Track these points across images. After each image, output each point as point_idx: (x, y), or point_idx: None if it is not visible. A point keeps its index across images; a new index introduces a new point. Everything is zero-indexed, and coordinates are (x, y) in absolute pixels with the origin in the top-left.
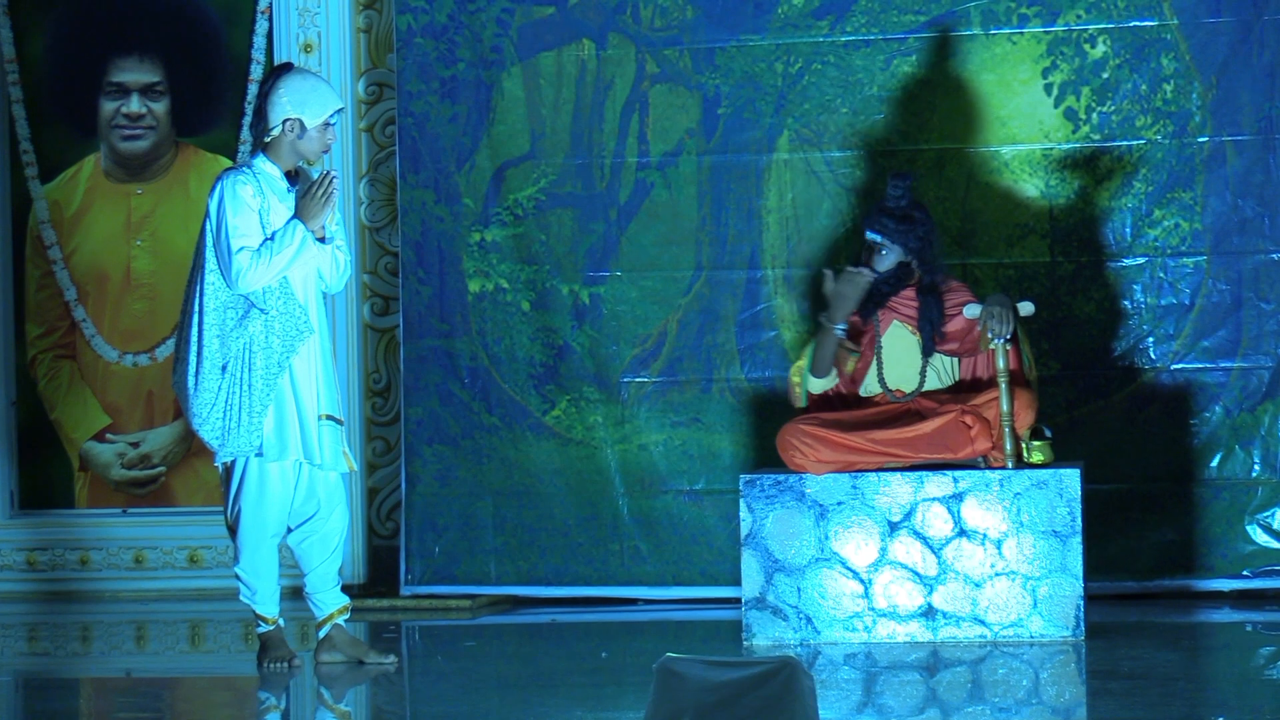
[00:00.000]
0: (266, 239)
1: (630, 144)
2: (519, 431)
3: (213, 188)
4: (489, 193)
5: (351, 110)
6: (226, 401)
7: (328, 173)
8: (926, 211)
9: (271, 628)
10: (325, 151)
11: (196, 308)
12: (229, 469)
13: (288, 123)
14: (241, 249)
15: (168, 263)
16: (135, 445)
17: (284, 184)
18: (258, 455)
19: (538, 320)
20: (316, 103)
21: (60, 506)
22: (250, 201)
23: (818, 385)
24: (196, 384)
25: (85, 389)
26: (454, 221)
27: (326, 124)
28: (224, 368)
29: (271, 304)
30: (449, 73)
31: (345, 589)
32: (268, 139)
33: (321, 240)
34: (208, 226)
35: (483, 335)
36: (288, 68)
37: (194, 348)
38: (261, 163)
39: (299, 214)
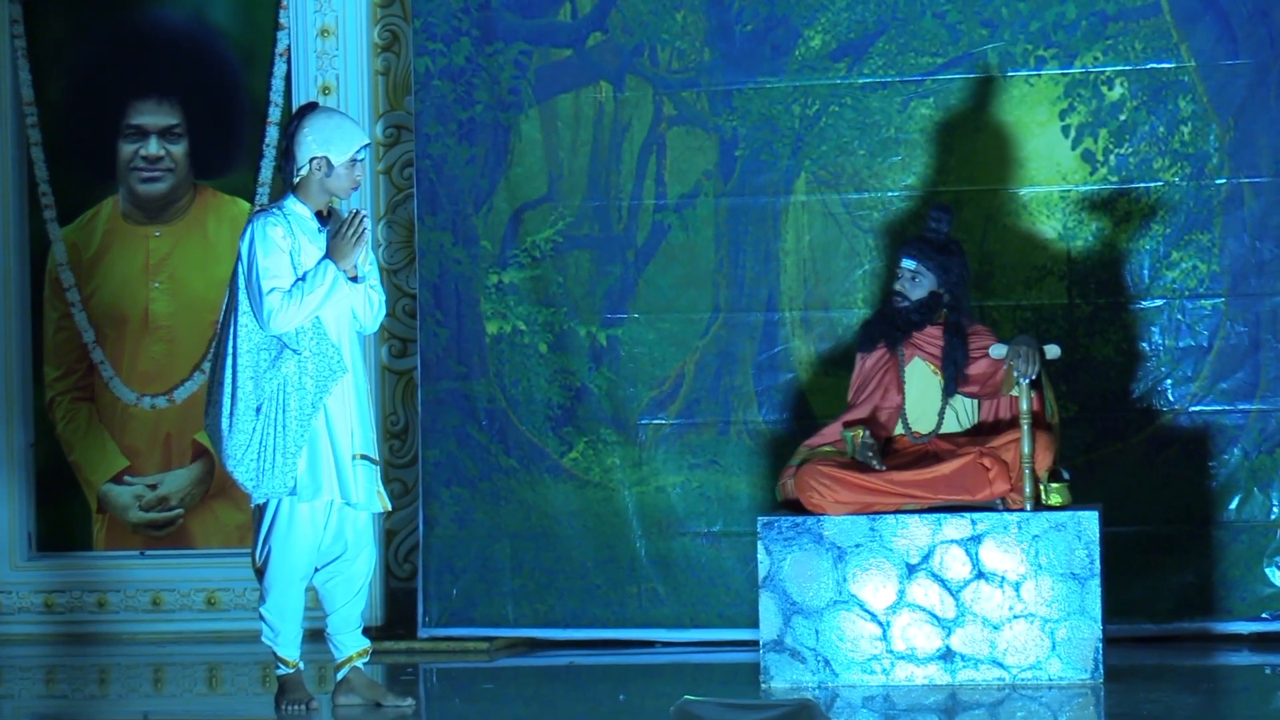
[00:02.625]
0: (298, 279)
1: (648, 186)
2: (536, 473)
3: (244, 229)
4: (506, 235)
5: (369, 152)
6: (261, 443)
7: (357, 212)
8: (962, 248)
9: (291, 670)
10: (355, 188)
11: (230, 349)
12: (261, 510)
13: (315, 161)
14: (273, 290)
15: (186, 305)
16: (153, 487)
17: (315, 224)
18: (291, 495)
19: (555, 362)
20: (342, 140)
21: (78, 548)
22: (280, 242)
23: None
24: (231, 425)
25: (103, 431)
26: (472, 263)
27: (354, 160)
28: (258, 409)
29: (304, 344)
30: (467, 115)
31: (363, 631)
32: (296, 179)
33: (354, 279)
34: (239, 268)
35: (500, 377)
36: (312, 107)
37: (228, 389)
38: (292, 203)
39: (330, 254)
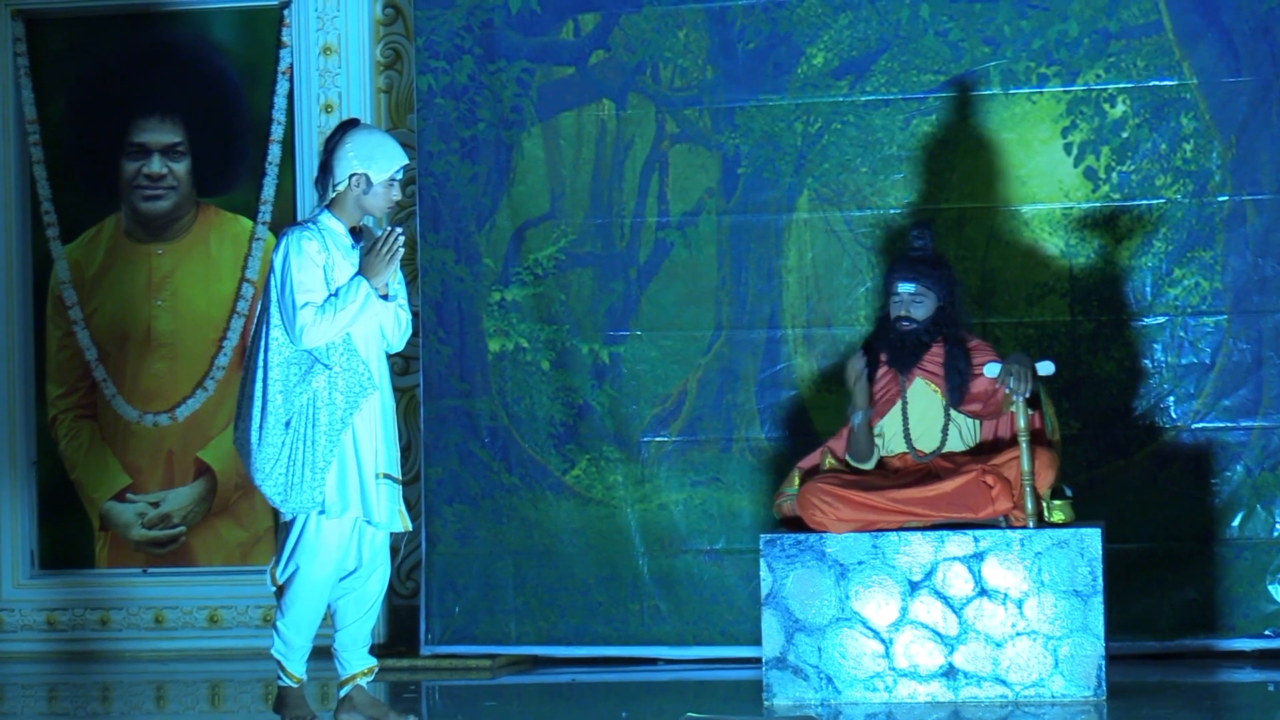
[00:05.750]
0: (330, 295)
1: (650, 203)
2: (539, 491)
3: (278, 243)
4: (509, 252)
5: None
6: (290, 458)
7: (392, 229)
8: (948, 261)
9: (295, 685)
10: (391, 207)
11: (260, 363)
12: (287, 525)
13: (354, 178)
14: (305, 304)
15: (188, 323)
16: (155, 505)
17: (348, 240)
18: (320, 512)
19: (558, 380)
20: (383, 158)
21: (81, 566)
22: (315, 257)
23: (865, 467)
24: (260, 440)
25: (106, 449)
26: (474, 281)
27: (392, 179)
28: (288, 423)
29: (335, 360)
30: (469, 133)
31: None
32: (332, 194)
33: (384, 297)
34: (272, 281)
35: (503, 395)
36: (354, 123)
37: (258, 403)
38: (326, 219)
39: (363, 270)
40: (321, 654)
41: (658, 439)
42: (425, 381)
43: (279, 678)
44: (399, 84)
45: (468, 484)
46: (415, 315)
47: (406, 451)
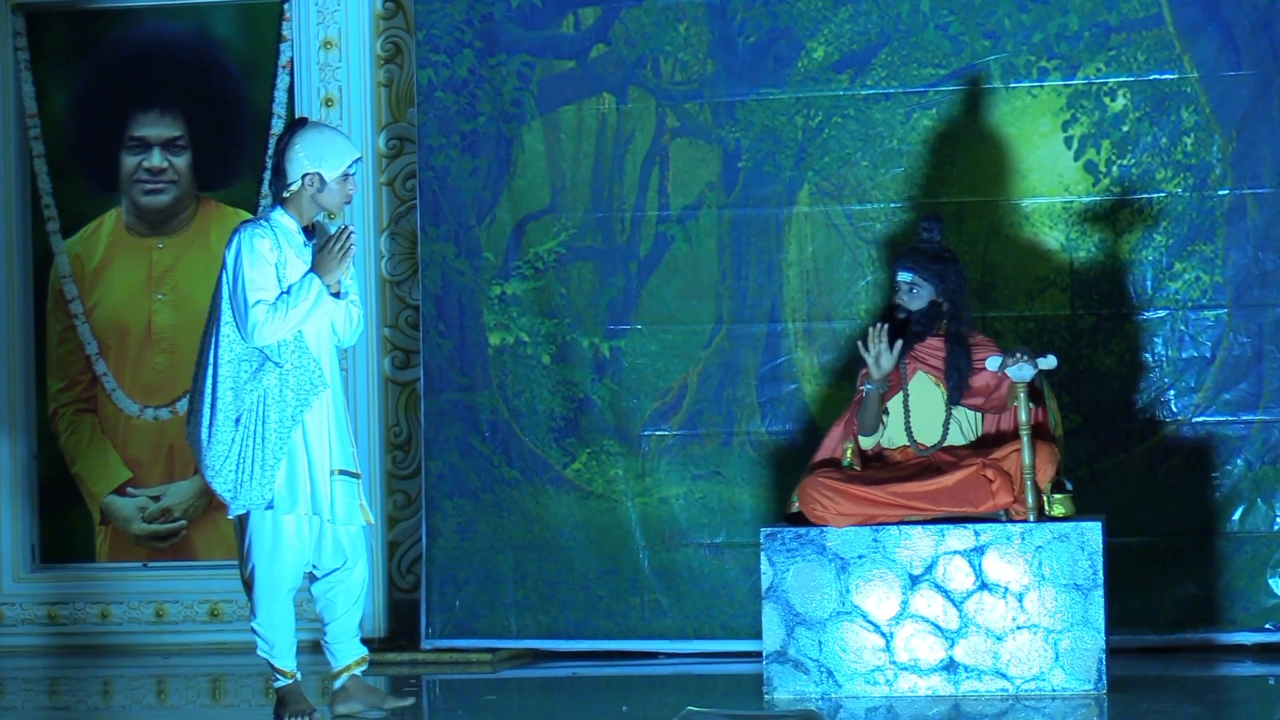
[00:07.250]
0: (283, 292)
1: (650, 197)
2: (539, 485)
3: (229, 240)
4: (509, 246)
5: (372, 164)
6: (240, 454)
7: (345, 228)
8: (956, 256)
9: (290, 681)
10: (347, 203)
11: (211, 360)
12: (242, 523)
13: (307, 177)
14: (258, 302)
15: (189, 316)
16: (156, 499)
17: (301, 238)
18: (268, 508)
19: (558, 373)
20: (333, 155)
21: (81, 560)
22: (267, 255)
23: (869, 442)
24: (210, 436)
25: (106, 443)
26: (474, 275)
27: (346, 175)
28: (238, 420)
29: (286, 357)
30: (469, 126)
31: (365, 642)
32: (286, 194)
33: (336, 295)
34: (224, 279)
35: (503, 388)
36: (303, 122)
37: (208, 400)
38: (279, 216)
39: (316, 268)
40: (317, 649)
41: (658, 433)
42: (426, 375)
43: (274, 679)
44: (399, 78)
45: (468, 478)
46: (415, 309)
47: (407, 445)
